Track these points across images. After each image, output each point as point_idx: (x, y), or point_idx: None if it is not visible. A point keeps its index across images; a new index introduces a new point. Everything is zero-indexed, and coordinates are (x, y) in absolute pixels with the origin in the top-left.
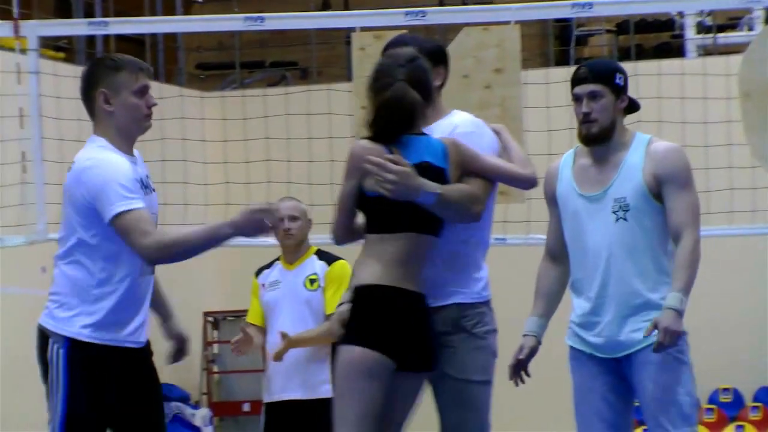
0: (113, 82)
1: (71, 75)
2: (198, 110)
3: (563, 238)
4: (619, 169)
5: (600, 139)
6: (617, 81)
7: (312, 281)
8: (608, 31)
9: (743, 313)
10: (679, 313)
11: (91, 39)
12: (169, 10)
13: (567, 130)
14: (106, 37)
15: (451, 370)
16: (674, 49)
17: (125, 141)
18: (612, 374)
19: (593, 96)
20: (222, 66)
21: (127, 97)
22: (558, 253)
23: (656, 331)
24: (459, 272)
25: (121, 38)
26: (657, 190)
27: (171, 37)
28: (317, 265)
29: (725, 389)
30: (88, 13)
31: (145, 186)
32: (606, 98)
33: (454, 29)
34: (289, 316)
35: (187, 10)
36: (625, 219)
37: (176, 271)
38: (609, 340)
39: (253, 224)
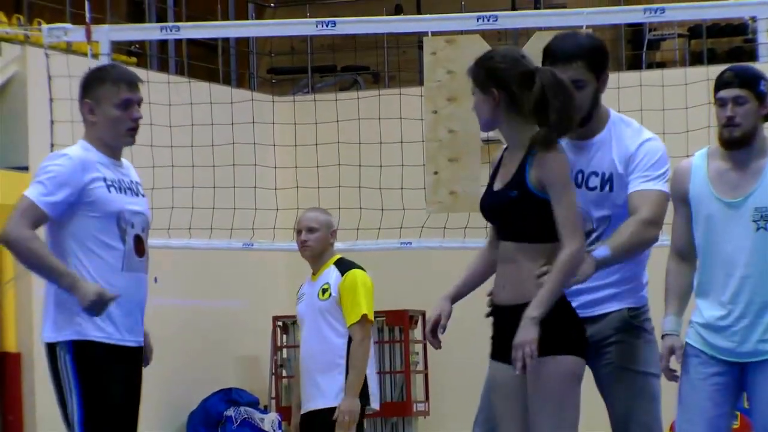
0: (97, 94)
1: (143, 80)
2: (269, 115)
3: (692, 237)
4: (761, 178)
5: (741, 144)
6: (761, 88)
7: (324, 290)
8: (680, 36)
9: None
10: None
11: (163, 44)
12: (242, 15)
13: None
14: (178, 42)
15: (633, 364)
16: (747, 54)
17: (108, 149)
18: (727, 376)
19: (738, 101)
20: (294, 71)
21: (108, 109)
22: (687, 251)
23: None
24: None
25: (193, 43)
26: None
27: (243, 42)
28: (332, 275)
29: None
30: (161, 18)
31: (127, 188)
32: (750, 104)
33: (526, 33)
34: (310, 328)
35: (259, 15)
36: (765, 229)
37: (245, 276)
38: (738, 345)
39: (90, 305)
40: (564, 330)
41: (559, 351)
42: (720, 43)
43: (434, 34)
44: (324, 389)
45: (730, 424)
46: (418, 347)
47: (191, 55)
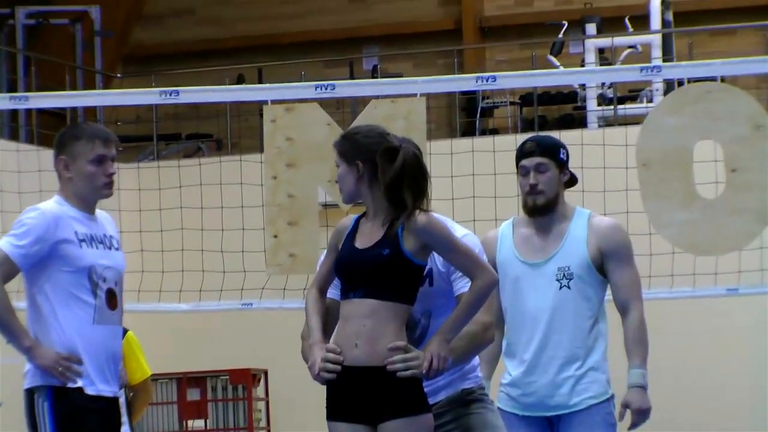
0: (72, 150)
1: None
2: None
3: (499, 304)
4: (564, 240)
5: (545, 210)
6: (562, 156)
7: None
8: (512, 103)
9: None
10: (644, 388)
11: (14, 113)
12: (90, 85)
13: (469, 198)
14: (29, 111)
15: (477, 429)
16: (577, 120)
17: (83, 203)
18: None
19: (540, 168)
20: (140, 138)
21: (83, 165)
22: (497, 319)
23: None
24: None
25: (42, 112)
26: (600, 263)
27: (90, 111)
28: None
29: None
30: (12, 88)
31: (99, 242)
32: (551, 171)
33: (363, 102)
34: None
35: (107, 85)
36: (568, 287)
37: None
38: (544, 399)
39: (47, 370)
40: (422, 388)
41: (425, 409)
42: (551, 110)
43: (274, 102)
44: None
45: None
46: (261, 405)
47: (41, 123)
